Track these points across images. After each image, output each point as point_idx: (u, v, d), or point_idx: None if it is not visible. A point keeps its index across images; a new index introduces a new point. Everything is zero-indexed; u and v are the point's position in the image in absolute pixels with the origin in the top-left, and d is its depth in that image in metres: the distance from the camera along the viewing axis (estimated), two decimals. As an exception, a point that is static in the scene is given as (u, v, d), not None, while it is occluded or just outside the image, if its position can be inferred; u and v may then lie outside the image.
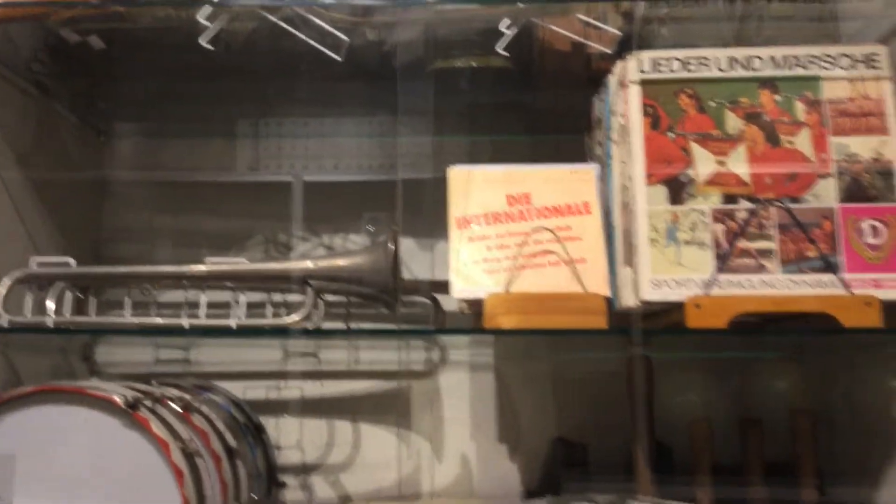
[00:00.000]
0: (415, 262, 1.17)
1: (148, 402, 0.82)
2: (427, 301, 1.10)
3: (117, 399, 0.78)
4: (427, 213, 1.08)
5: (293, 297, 1.00)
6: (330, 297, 0.98)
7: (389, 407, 1.16)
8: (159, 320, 0.89)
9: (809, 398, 1.05)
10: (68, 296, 0.91)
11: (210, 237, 1.20)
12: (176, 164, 1.23)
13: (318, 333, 0.95)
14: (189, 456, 0.81)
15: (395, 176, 1.21)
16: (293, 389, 1.17)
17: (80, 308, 0.94)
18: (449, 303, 1.06)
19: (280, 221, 1.22)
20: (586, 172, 0.87)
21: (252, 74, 1.10)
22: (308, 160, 1.24)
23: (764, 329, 0.88)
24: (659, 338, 1.03)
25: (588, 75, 0.95)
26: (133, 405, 0.78)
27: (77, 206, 1.15)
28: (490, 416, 1.14)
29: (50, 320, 0.87)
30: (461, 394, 1.15)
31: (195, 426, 0.88)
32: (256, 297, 0.94)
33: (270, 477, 1.07)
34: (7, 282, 0.86)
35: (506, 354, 1.15)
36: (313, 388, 1.17)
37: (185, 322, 0.85)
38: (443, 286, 1.06)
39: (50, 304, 0.90)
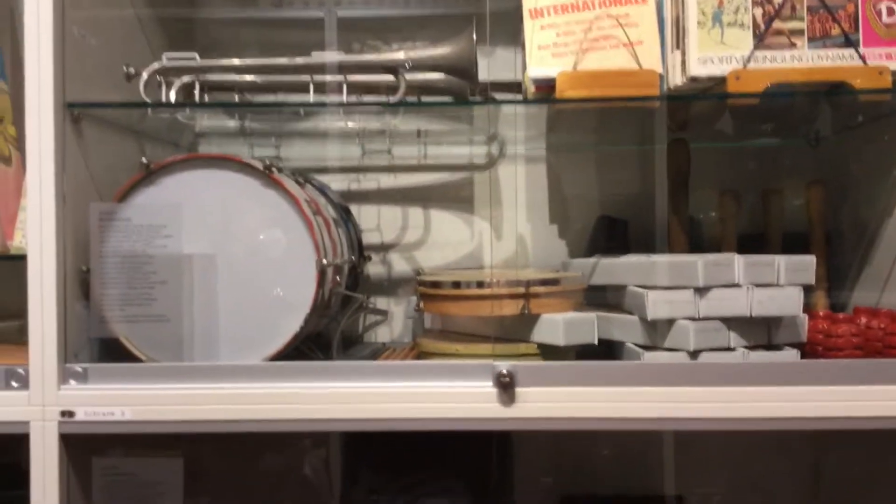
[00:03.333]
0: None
1: (276, 170, 0.99)
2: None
3: (256, 163, 0.95)
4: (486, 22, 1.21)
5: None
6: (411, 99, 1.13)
7: (455, 195, 1.33)
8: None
9: (824, 174, 1.21)
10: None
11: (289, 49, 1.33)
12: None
13: (417, 104, 1.10)
14: (313, 213, 0.99)
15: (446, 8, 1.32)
16: (371, 181, 1.34)
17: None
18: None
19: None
20: (642, -33, 1.00)
21: None
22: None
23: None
24: (697, 123, 1.18)
25: None
26: (269, 169, 0.95)
27: (178, 21, 1.28)
28: (543, 200, 1.32)
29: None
30: (518, 182, 1.32)
31: (309, 195, 1.05)
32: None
33: (360, 250, 1.26)
34: (145, 74, 1.01)
35: (556, 146, 1.31)
36: (388, 180, 1.34)
37: (310, 97, 1.01)
38: (501, 87, 1.22)
39: (172, 97, 1.05)
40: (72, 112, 0.91)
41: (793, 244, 1.18)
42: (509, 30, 1.10)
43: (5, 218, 1.03)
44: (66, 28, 0.91)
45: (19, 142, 1.04)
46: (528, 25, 0.99)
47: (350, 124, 1.30)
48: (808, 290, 1.16)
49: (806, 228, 1.17)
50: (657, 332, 0.94)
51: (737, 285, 0.92)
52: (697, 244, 1.21)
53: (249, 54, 1.32)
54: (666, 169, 1.19)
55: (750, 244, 1.20)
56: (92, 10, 0.98)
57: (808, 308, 1.09)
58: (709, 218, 1.25)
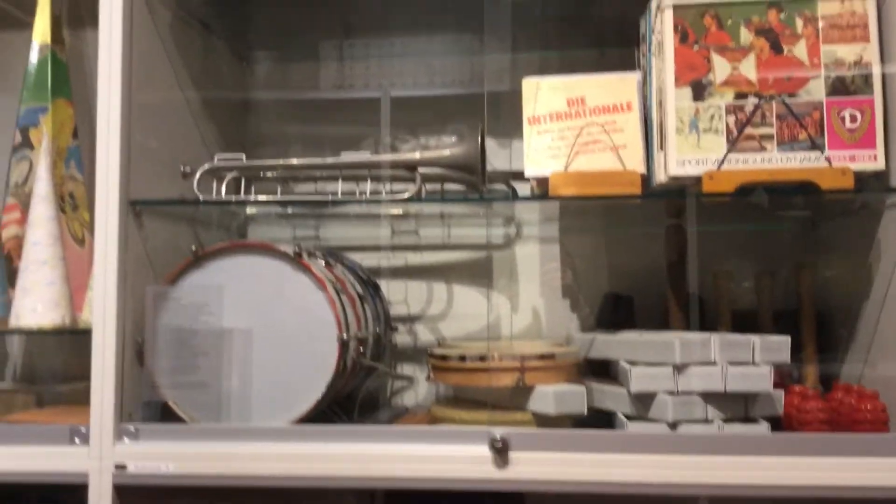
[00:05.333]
0: (496, 158, 1.45)
1: (306, 255, 1.13)
2: (505, 187, 1.39)
3: (288, 250, 1.10)
4: (505, 119, 1.35)
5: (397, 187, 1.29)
6: (428, 186, 1.27)
7: (476, 272, 1.46)
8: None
9: (813, 258, 1.30)
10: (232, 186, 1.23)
11: (331, 141, 1.49)
12: (299, 82, 1.52)
13: (426, 200, 1.23)
14: (337, 292, 1.13)
15: (478, 89, 1.47)
16: (399, 259, 1.48)
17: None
18: (522, 189, 1.35)
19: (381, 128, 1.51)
20: (630, 78, 1.12)
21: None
22: (394, 77, 1.51)
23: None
24: (692, 210, 1.29)
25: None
26: (299, 255, 1.10)
27: (231, 117, 1.46)
28: (556, 277, 1.44)
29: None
30: (532, 260, 1.45)
31: (336, 276, 1.19)
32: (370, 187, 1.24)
33: (386, 321, 1.39)
34: (198, 174, 1.18)
35: (568, 228, 1.43)
36: (414, 258, 1.48)
37: (333, 196, 1.16)
38: (518, 176, 1.35)
39: (223, 190, 1.22)
40: (134, 208, 1.07)
41: (787, 321, 1.27)
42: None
43: (77, 292, 1.20)
44: (132, 136, 1.08)
45: (91, 226, 1.21)
46: (527, 131, 1.12)
47: (381, 210, 1.45)
48: (800, 365, 1.25)
49: (796, 305, 1.26)
50: (641, 403, 1.04)
51: (713, 363, 1.02)
52: (702, 321, 1.30)
53: (298, 141, 1.51)
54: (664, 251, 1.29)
55: (747, 321, 1.29)
56: (154, 118, 1.16)
57: (797, 382, 1.17)
58: (710, 294, 1.34)
